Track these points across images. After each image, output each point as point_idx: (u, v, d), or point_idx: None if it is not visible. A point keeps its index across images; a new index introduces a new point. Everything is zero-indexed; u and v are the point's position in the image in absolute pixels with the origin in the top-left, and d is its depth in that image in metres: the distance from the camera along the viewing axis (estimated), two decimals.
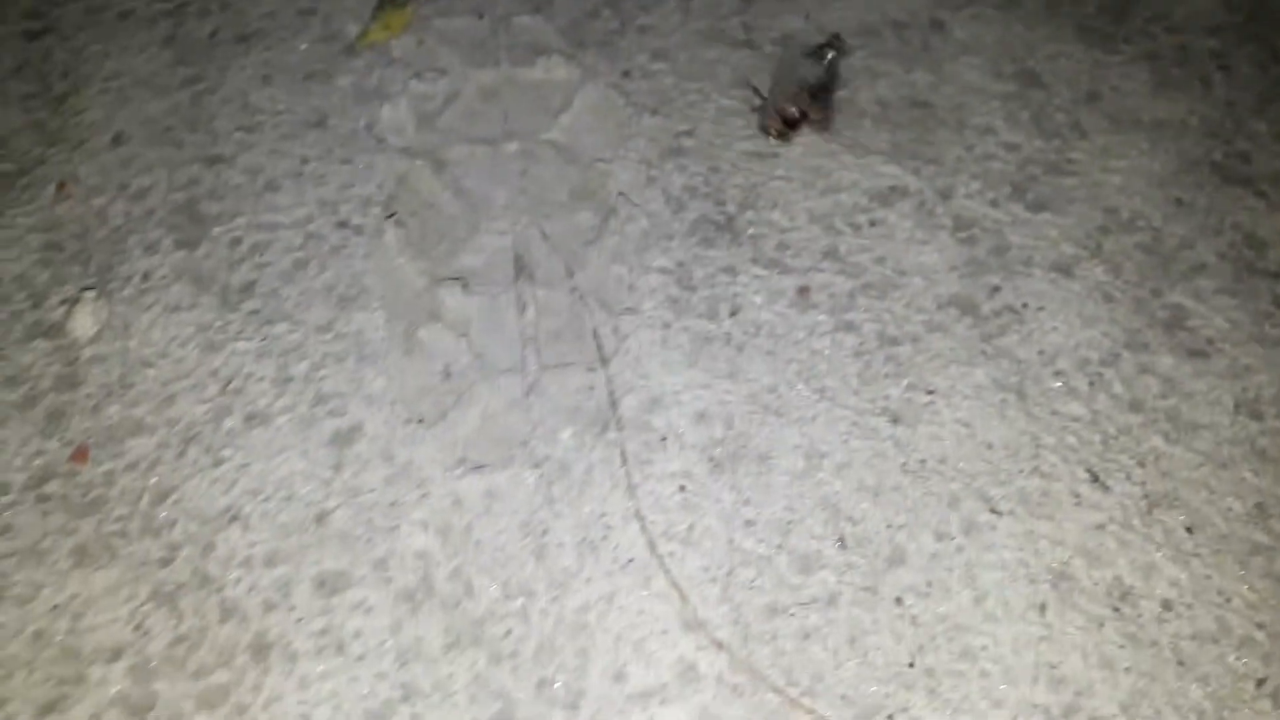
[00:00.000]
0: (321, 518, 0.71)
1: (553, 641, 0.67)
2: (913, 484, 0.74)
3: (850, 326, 0.81)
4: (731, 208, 0.88)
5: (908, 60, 0.99)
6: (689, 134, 0.93)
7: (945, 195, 0.89)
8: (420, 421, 0.76)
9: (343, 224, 0.86)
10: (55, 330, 0.80)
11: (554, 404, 0.77)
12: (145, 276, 0.82)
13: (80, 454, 0.74)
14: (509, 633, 0.67)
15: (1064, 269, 0.84)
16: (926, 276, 0.84)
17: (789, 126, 0.91)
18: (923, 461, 0.75)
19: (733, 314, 0.82)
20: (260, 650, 0.66)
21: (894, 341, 0.80)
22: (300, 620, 0.67)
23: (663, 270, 0.84)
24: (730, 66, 0.98)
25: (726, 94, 0.96)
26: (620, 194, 0.88)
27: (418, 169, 0.90)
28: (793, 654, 0.67)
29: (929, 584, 0.70)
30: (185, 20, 1.01)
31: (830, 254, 0.85)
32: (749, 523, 0.72)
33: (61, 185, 0.88)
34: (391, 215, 0.86)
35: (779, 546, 0.71)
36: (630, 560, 0.69)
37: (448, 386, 0.78)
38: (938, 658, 0.67)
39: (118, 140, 0.91)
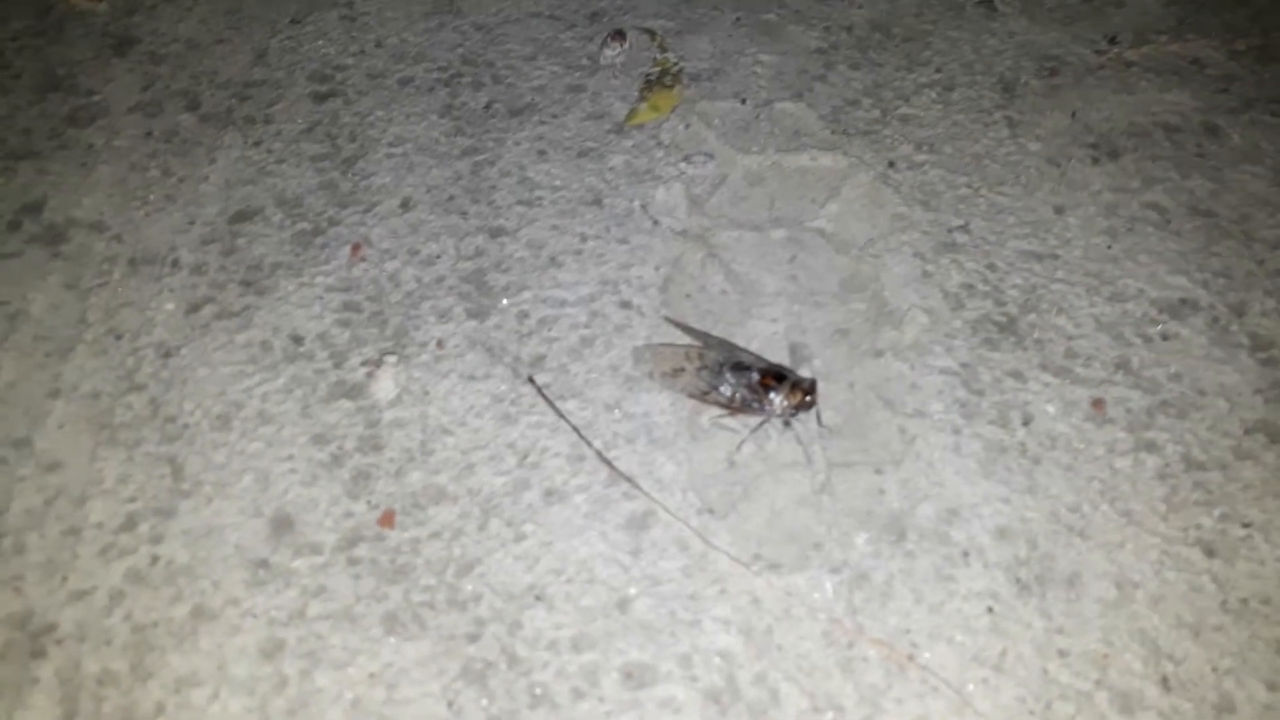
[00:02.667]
0: (623, 604, 0.70)
1: None
2: (1235, 625, 0.68)
3: (1152, 447, 0.76)
4: (1013, 309, 0.84)
5: (1183, 166, 0.94)
6: (963, 229, 0.90)
7: (1239, 312, 0.84)
8: (712, 512, 0.74)
9: (625, 304, 0.85)
10: (357, 391, 0.81)
11: (845, 505, 0.74)
12: (440, 344, 0.83)
13: (387, 518, 0.74)
14: None
15: None
16: (1229, 398, 0.79)
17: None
18: (1244, 601, 0.69)
19: (1025, 423, 0.78)
20: None
21: (1201, 466, 0.75)
22: (609, 713, 0.65)
23: (946, 370, 0.81)
24: (999, 163, 0.95)
25: (996, 190, 0.93)
26: (896, 287, 0.86)
27: (690, 251, 0.89)
28: None
29: None
30: (460, 90, 1.04)
31: (1123, 366, 0.81)
32: (1062, 653, 0.67)
33: (356, 247, 0.90)
34: (664, 304, 0.85)
35: (1097, 682, 0.66)
36: (940, 684, 0.66)
37: (734, 476, 0.76)
38: None
39: (406, 205, 0.93)
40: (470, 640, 0.68)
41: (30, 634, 0.69)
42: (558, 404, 0.79)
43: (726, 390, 0.78)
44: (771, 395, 0.76)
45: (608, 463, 0.75)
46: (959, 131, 0.98)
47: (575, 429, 0.76)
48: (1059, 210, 0.91)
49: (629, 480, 0.74)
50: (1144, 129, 0.98)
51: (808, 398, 0.76)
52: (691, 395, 0.79)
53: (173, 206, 0.95)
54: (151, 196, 0.96)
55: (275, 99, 1.04)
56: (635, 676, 0.67)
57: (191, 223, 0.93)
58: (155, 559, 0.73)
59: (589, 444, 0.75)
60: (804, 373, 0.80)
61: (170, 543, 0.73)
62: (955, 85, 1.02)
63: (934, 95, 1.01)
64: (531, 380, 0.76)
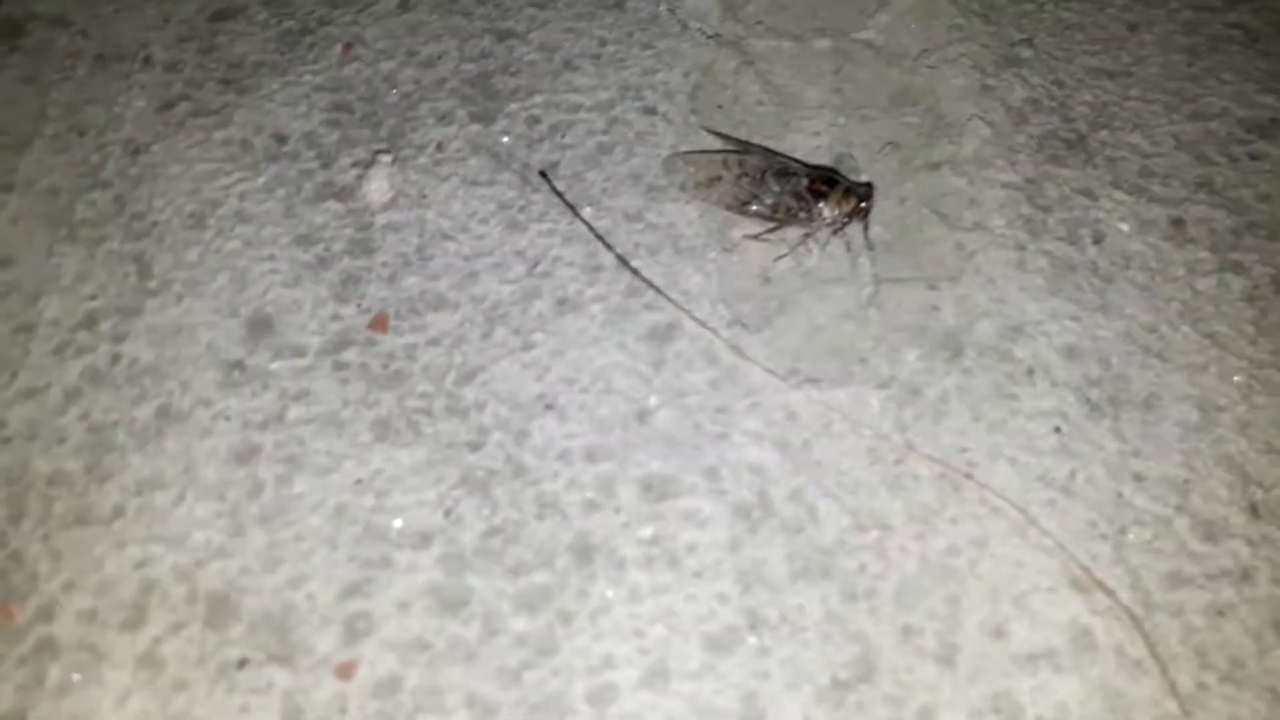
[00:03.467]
0: (643, 416, 0.61)
1: (918, 584, 0.56)
2: None
3: (1239, 268, 0.67)
4: (1083, 126, 0.75)
5: None
6: (1027, 43, 0.80)
7: None
8: (744, 326, 0.65)
9: (649, 110, 0.76)
10: (347, 193, 0.72)
11: (894, 321, 0.65)
12: (440, 146, 0.74)
13: (380, 323, 0.65)
14: (864, 568, 0.56)
15: None
16: None
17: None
18: None
19: (1096, 241, 0.69)
20: (584, 553, 0.57)
21: None
22: (627, 525, 0.57)
23: (1010, 185, 0.71)
24: None
25: (1063, 5, 0.82)
26: (953, 100, 0.76)
27: (723, 59, 0.79)
28: (1205, 631, 0.54)
29: None
30: None
31: (1205, 185, 0.72)
32: (1139, 477, 0.59)
33: (348, 47, 0.80)
34: (693, 112, 0.76)
35: (1178, 507, 0.58)
36: (1002, 504, 0.58)
37: (769, 291, 0.67)
38: None
39: (404, 4, 0.83)
40: (471, 449, 0.60)
41: None
42: (574, 209, 0.70)
43: (770, 199, 0.68)
44: (821, 203, 0.67)
45: (629, 267, 0.66)
46: None
47: (593, 230, 0.67)
48: (1132, 27, 0.81)
49: (652, 286, 0.65)
50: None
51: (862, 204, 0.66)
52: (729, 207, 0.69)
53: (145, 3, 0.84)
54: None
55: None
56: (656, 489, 0.59)
57: (166, 20, 0.83)
58: (117, 357, 0.64)
59: (609, 247, 0.66)
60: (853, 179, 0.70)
61: (134, 341, 0.65)
62: None
63: None
64: (544, 175, 0.67)
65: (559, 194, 0.68)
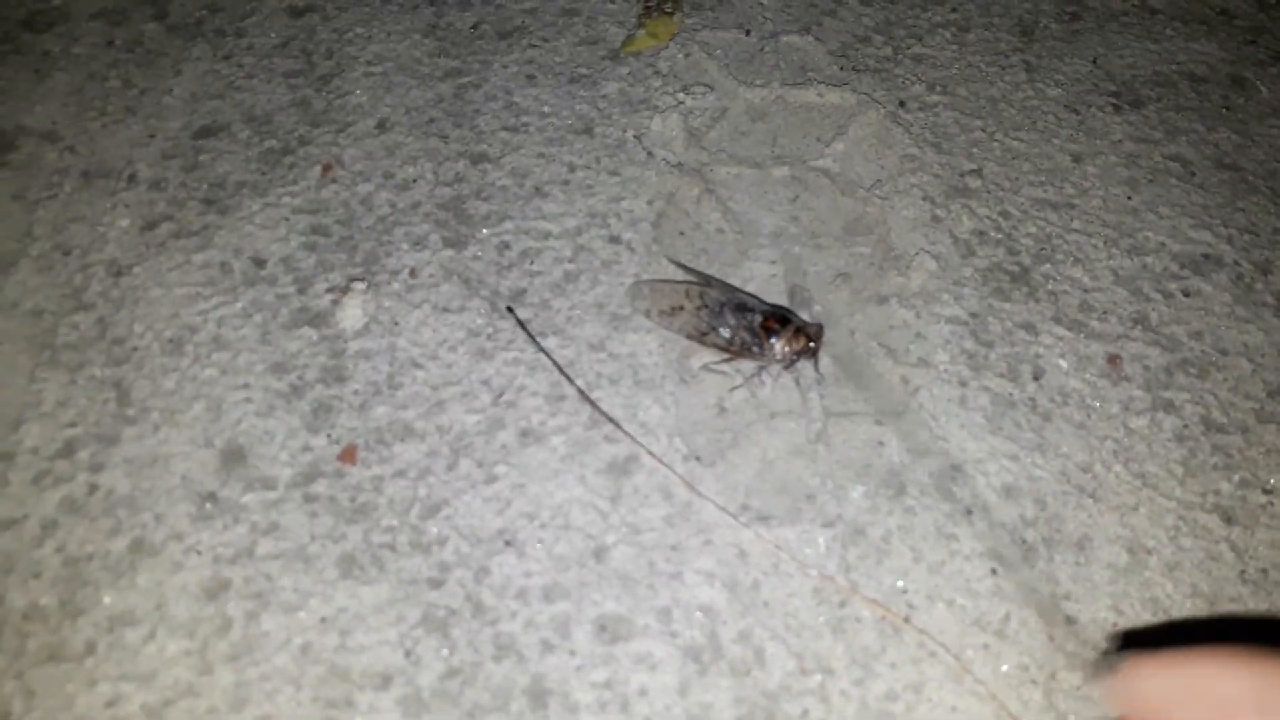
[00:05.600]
0: (600, 553, 0.63)
1: None
2: (1254, 596, 0.63)
3: (1170, 407, 0.70)
4: (1026, 259, 0.78)
5: (1209, 118, 0.87)
6: (976, 173, 0.83)
7: (1264, 269, 0.77)
8: (699, 459, 0.67)
9: (614, 239, 0.78)
10: (321, 319, 0.74)
11: (841, 457, 0.68)
12: (413, 273, 0.76)
13: (349, 454, 0.67)
14: (806, 713, 0.58)
15: None
16: (1252, 359, 0.72)
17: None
18: (1264, 571, 0.63)
19: (1035, 378, 0.71)
20: (538, 697, 0.58)
21: (1221, 429, 0.69)
22: (581, 668, 0.59)
23: (954, 320, 0.74)
24: (1015, 107, 0.88)
25: (1012, 135, 0.86)
26: (903, 231, 0.79)
27: (686, 186, 0.82)
28: None
29: None
30: (446, 10, 0.95)
31: (1141, 322, 0.74)
32: (1070, 620, 0.61)
33: (327, 168, 0.82)
34: (656, 240, 0.78)
35: (1106, 654, 0.60)
36: (938, 649, 0.60)
37: (723, 423, 0.69)
38: None
39: (383, 126, 0.85)
40: (433, 586, 0.62)
41: None
42: (539, 340, 0.72)
43: (726, 331, 0.71)
44: (773, 340, 0.69)
45: (589, 400, 0.68)
46: (974, 74, 0.90)
47: (556, 364, 0.69)
48: (1077, 159, 0.84)
49: (611, 420, 0.67)
50: (1168, 79, 0.91)
51: (811, 344, 0.69)
52: (689, 336, 0.72)
53: (132, 119, 0.86)
54: (110, 108, 0.87)
55: (249, 12, 0.95)
56: (610, 630, 0.60)
57: (152, 136, 0.85)
58: (94, 488, 0.65)
59: (570, 380, 0.68)
60: (805, 317, 0.73)
61: (111, 471, 0.66)
62: (971, 26, 0.95)
63: (949, 35, 0.93)
64: (511, 310, 0.69)
65: (525, 328, 0.70)
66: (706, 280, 0.75)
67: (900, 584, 0.62)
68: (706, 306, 0.72)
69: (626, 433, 0.67)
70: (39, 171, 0.82)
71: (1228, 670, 0.33)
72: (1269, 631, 0.62)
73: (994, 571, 0.63)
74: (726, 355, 0.71)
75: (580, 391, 0.69)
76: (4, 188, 0.81)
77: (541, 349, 0.70)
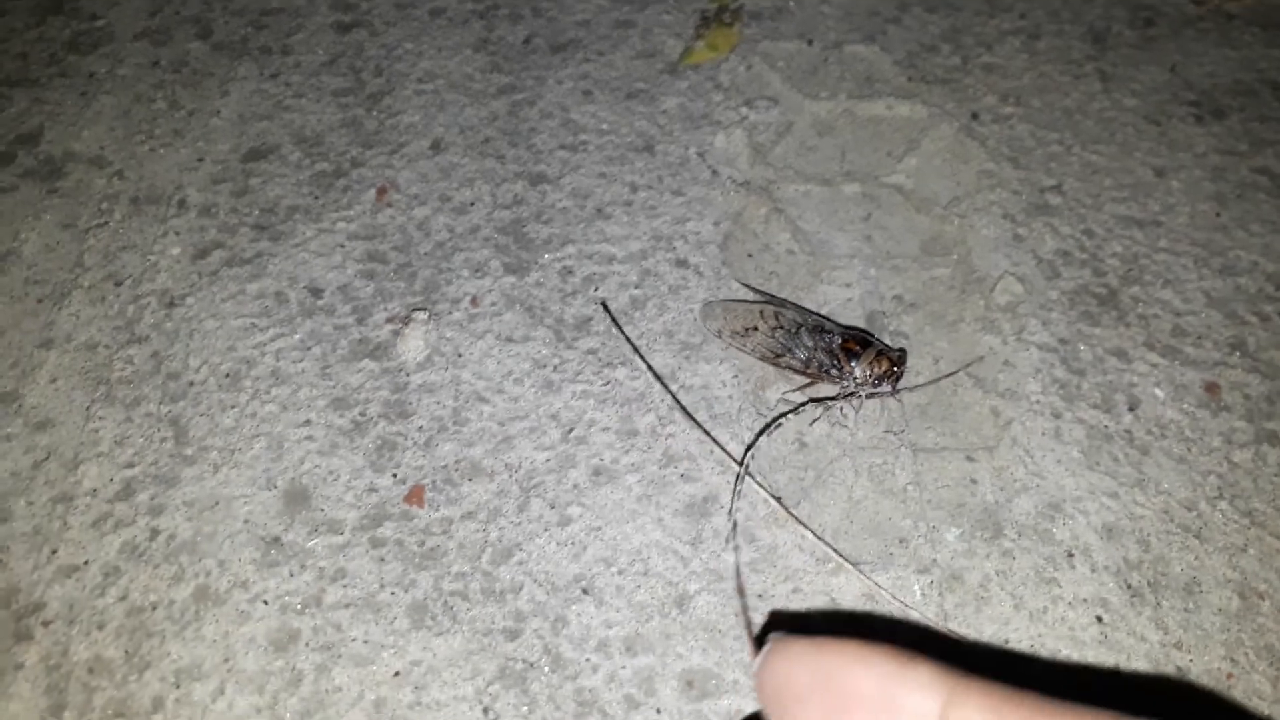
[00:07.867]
0: (682, 601, 0.60)
1: None
2: None
3: (1274, 438, 0.66)
4: (1114, 280, 0.73)
5: None
6: (1056, 189, 0.78)
7: None
8: (779, 499, 0.64)
9: (681, 262, 0.74)
10: (382, 351, 0.70)
11: (932, 496, 0.64)
12: (474, 301, 0.72)
13: (415, 495, 0.64)
14: None
15: None
16: None
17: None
18: None
19: (1131, 408, 0.67)
20: None
21: None
22: None
23: (1044, 346, 0.70)
24: (1092, 118, 0.83)
25: (1091, 148, 0.81)
26: (985, 251, 0.75)
27: (753, 206, 0.78)
28: None
29: None
30: (497, 24, 0.91)
31: (1238, 347, 0.70)
32: (1181, 670, 0.57)
33: (382, 191, 0.79)
34: (724, 264, 0.74)
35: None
36: None
37: (805, 459, 0.66)
38: None
39: (437, 147, 0.82)
40: (509, 637, 0.58)
41: (15, 614, 0.59)
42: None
43: (802, 353, 0.67)
44: (853, 363, 0.65)
45: (697, 423, 0.65)
46: (1047, 84, 0.86)
47: (657, 376, 0.65)
48: (1160, 173, 0.80)
49: (734, 460, 0.64)
50: (1250, 87, 0.86)
51: (894, 369, 0.65)
52: (763, 358, 0.68)
53: (180, 142, 0.83)
54: (157, 130, 0.84)
55: (294, 28, 0.92)
56: (697, 685, 0.57)
57: (200, 160, 0.82)
58: (155, 532, 0.62)
59: (674, 396, 0.65)
60: (885, 341, 0.69)
61: (171, 515, 0.63)
62: (1041, 33, 0.90)
63: (1019, 43, 0.89)
64: (605, 306, 0.65)
65: (622, 331, 0.66)
66: (781, 303, 0.71)
67: (1002, 633, 0.58)
68: (782, 327, 0.69)
69: (741, 467, 0.64)
70: (88, 198, 0.79)
71: (859, 663, 0.29)
72: None
73: (1099, 619, 0.59)
74: (804, 380, 0.67)
75: (686, 413, 0.65)
76: (54, 216, 0.78)
77: (638, 353, 0.66)
